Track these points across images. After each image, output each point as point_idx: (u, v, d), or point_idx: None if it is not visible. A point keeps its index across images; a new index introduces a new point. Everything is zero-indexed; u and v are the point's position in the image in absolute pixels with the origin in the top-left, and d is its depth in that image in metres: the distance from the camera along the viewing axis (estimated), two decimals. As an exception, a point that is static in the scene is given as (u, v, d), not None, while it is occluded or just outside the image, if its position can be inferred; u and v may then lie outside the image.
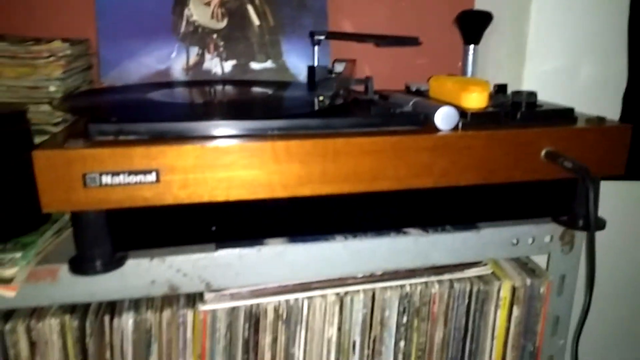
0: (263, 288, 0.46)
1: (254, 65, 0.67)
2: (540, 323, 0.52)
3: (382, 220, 0.47)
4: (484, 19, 0.68)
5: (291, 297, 0.47)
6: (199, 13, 0.66)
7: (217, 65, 0.66)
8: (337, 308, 0.48)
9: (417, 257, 0.48)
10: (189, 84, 0.62)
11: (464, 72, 0.69)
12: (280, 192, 0.41)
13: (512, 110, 0.47)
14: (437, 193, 0.46)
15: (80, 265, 0.40)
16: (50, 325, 0.42)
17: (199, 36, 0.66)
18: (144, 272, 0.42)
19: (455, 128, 0.44)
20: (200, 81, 0.65)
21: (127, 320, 0.44)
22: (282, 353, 0.48)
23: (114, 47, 0.64)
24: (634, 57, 0.66)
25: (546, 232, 0.50)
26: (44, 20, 0.64)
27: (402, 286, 0.49)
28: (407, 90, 0.58)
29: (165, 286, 0.43)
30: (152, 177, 0.38)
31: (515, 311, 0.51)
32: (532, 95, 0.49)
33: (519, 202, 0.49)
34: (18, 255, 0.38)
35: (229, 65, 0.66)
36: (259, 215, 0.44)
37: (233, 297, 0.46)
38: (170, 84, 0.60)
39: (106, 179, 0.37)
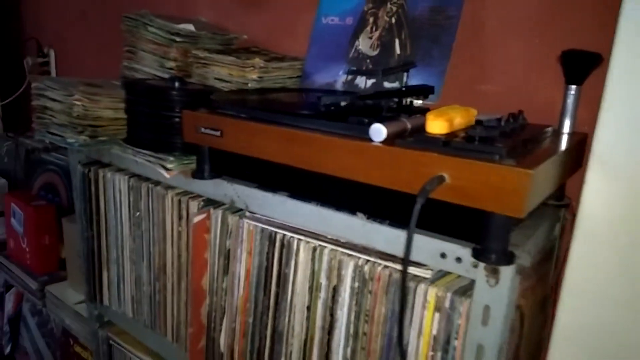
0: (275, 221, 0.72)
1: (386, 84, 0.87)
2: (458, 340, 0.56)
3: (344, 202, 0.64)
4: (591, 60, 0.65)
5: (288, 233, 0.70)
6: (364, 44, 0.91)
7: (363, 82, 0.90)
8: (314, 253, 0.68)
9: (362, 237, 0.62)
10: (319, 91, 0.89)
11: (563, 110, 0.68)
12: (291, 162, 0.65)
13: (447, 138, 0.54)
14: (383, 192, 0.59)
15: (197, 174, 0.77)
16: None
17: (359, 61, 0.91)
18: (222, 187, 0.76)
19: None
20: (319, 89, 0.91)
21: (217, 213, 0.78)
22: (279, 268, 0.72)
23: (312, 65, 0.97)
24: None
25: (469, 254, 0.54)
26: (280, 41, 1.05)
27: (358, 258, 0.64)
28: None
29: (229, 199, 0.75)
30: (217, 133, 0.70)
31: (437, 317, 0.57)
32: (493, 129, 0.54)
33: (457, 221, 0.55)
34: (172, 159, 0.79)
35: (369, 82, 0.89)
36: (280, 175, 0.69)
37: (259, 220, 0.73)
38: (310, 90, 0.89)
39: (204, 129, 0.72)
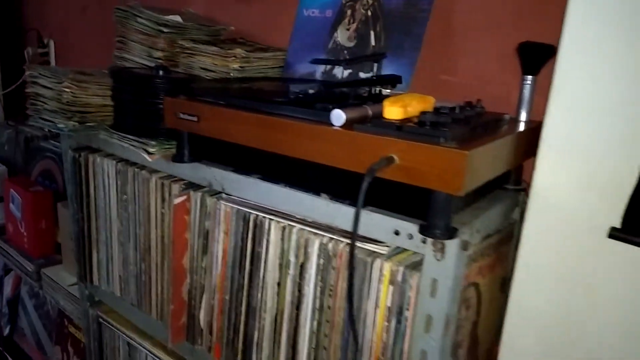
0: (249, 203, 0.76)
1: (361, 74, 0.91)
2: (409, 311, 0.60)
3: (311, 183, 0.68)
4: (545, 51, 0.68)
5: (261, 214, 0.74)
6: (342, 36, 0.95)
7: (340, 72, 0.94)
8: (283, 233, 0.72)
9: (326, 216, 0.66)
10: (294, 80, 0.93)
11: (520, 99, 0.71)
12: (263, 146, 0.69)
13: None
14: (345, 174, 0.63)
15: (177, 158, 0.81)
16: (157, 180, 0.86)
17: (337, 51, 0.95)
18: (200, 170, 0.80)
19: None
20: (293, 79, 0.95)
21: (197, 196, 0.82)
22: (252, 247, 0.76)
23: (294, 56, 1.01)
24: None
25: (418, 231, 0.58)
26: (266, 33, 1.08)
27: (323, 236, 0.68)
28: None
29: (207, 181, 0.80)
30: (195, 118, 0.75)
31: (391, 290, 0.61)
32: (445, 116, 0.57)
33: (409, 200, 0.59)
34: (154, 143, 0.83)
35: (346, 73, 0.93)
36: (253, 159, 0.74)
37: (235, 202, 0.77)
38: (285, 79, 0.93)
39: (183, 115, 0.76)
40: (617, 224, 0.57)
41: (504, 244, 0.74)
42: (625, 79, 0.55)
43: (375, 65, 0.84)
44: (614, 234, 0.57)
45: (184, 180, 0.86)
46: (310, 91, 0.71)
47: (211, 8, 1.29)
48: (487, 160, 0.57)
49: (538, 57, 0.68)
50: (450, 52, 0.87)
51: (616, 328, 0.60)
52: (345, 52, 0.94)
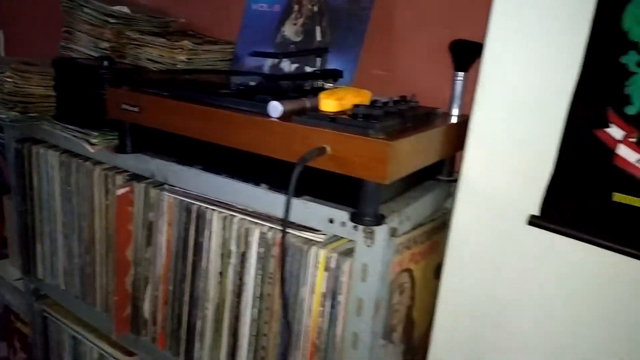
0: (191, 194, 0.77)
1: (307, 68, 0.92)
2: (342, 295, 0.63)
3: (251, 173, 0.69)
4: (475, 49, 0.71)
5: (203, 205, 0.75)
6: (289, 30, 0.96)
7: (287, 66, 0.95)
8: (225, 223, 0.73)
9: (266, 206, 0.68)
10: (237, 72, 0.94)
11: (452, 94, 0.75)
12: (203, 137, 0.70)
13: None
14: (283, 164, 0.65)
15: (119, 149, 0.81)
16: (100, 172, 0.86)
17: (284, 46, 0.96)
18: (144, 161, 0.80)
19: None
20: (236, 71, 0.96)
21: (140, 187, 0.82)
22: (195, 238, 0.77)
23: (243, 49, 1.02)
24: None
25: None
26: (217, 25, 1.09)
27: (262, 225, 0.70)
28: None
29: (150, 173, 0.80)
30: (136, 109, 0.75)
31: (326, 276, 0.64)
32: (378, 109, 0.60)
33: (342, 189, 0.61)
34: (96, 134, 0.83)
35: (293, 67, 0.94)
36: (195, 150, 0.74)
37: (177, 193, 0.78)
38: (232, 72, 0.94)
39: (125, 106, 0.76)
40: (537, 212, 0.61)
41: (438, 232, 0.77)
42: (545, 77, 0.59)
43: (319, 59, 0.86)
44: (533, 221, 0.61)
45: (127, 171, 0.85)
46: (252, 83, 0.72)
47: (163, 0, 1.29)
48: (413, 151, 0.60)
49: (468, 54, 0.71)
50: (390, 48, 0.90)
51: (538, 310, 0.64)
52: (293, 46, 0.95)
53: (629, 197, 0.54)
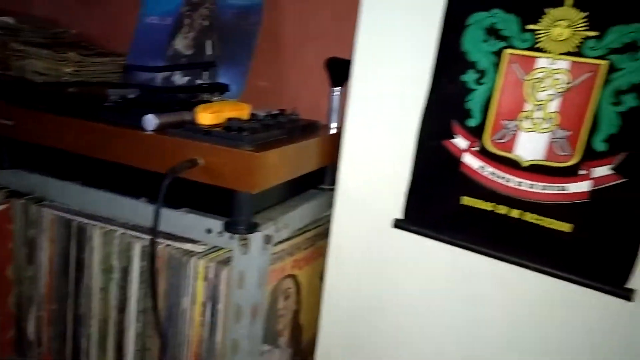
0: (72, 209, 0.75)
1: (198, 81, 0.94)
2: (221, 304, 0.64)
3: (131, 187, 0.69)
4: (349, 65, 0.76)
5: (84, 220, 0.74)
6: (180, 43, 0.97)
7: (179, 79, 0.96)
8: (106, 237, 0.72)
9: (146, 219, 0.68)
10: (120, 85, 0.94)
11: (330, 108, 0.79)
12: (81, 151, 0.68)
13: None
14: (162, 177, 0.65)
15: (-5, 164, 0.78)
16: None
17: (176, 59, 0.97)
18: (23, 177, 0.77)
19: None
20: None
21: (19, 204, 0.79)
22: (77, 254, 0.75)
23: (135, 61, 1.01)
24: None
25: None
26: (111, 37, 1.08)
27: (144, 239, 0.70)
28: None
29: (30, 189, 0.77)
30: (10, 122, 0.72)
31: (205, 285, 0.65)
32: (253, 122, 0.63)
33: (219, 200, 0.63)
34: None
35: (185, 79, 0.95)
36: (74, 165, 0.73)
37: (58, 209, 0.76)
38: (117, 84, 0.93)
39: (-2, 120, 0.74)
40: (401, 215, 0.66)
41: (323, 239, 0.81)
42: (403, 93, 0.64)
43: (206, 73, 0.88)
44: (397, 224, 0.66)
45: (6, 188, 0.82)
46: (131, 96, 0.72)
47: (56, 10, 1.25)
48: (283, 162, 0.63)
49: (342, 71, 0.76)
50: (277, 63, 0.93)
51: (411, 308, 0.69)
52: (184, 59, 0.96)
53: (475, 199, 0.60)
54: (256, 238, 0.61)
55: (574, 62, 0.52)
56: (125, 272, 0.71)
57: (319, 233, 0.79)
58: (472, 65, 0.58)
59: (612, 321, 0.54)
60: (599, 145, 0.52)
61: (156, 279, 0.65)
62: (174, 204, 0.66)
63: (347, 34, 0.88)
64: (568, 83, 0.53)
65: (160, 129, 0.64)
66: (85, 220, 0.74)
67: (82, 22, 1.20)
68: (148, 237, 0.69)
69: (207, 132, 0.62)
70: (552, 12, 0.53)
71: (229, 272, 0.63)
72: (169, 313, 0.68)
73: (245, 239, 0.61)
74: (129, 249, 0.70)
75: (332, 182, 0.81)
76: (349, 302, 0.74)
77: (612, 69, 0.51)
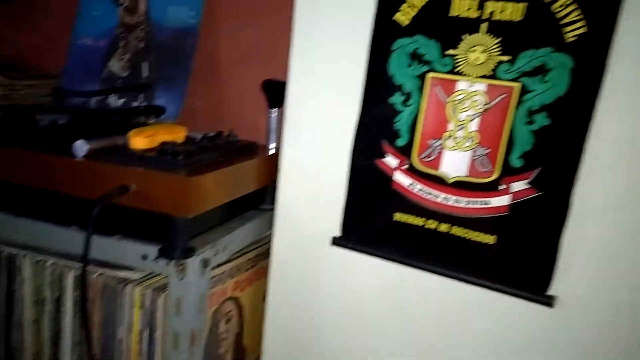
0: (3, 239, 0.72)
1: (134, 103, 0.92)
2: (159, 331, 0.63)
3: (62, 215, 0.67)
4: (285, 87, 0.78)
5: (14, 250, 0.71)
6: (115, 65, 0.96)
7: (115, 101, 0.94)
8: (37, 267, 0.69)
9: (78, 247, 0.66)
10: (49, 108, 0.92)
11: (268, 129, 0.80)
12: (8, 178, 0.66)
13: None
14: (94, 204, 0.64)
15: None
16: None
17: (111, 81, 0.95)
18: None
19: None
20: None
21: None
22: (7, 286, 0.72)
23: (68, 84, 0.99)
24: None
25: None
26: (45, 59, 1.05)
27: (76, 268, 0.68)
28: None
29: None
30: None
31: (141, 313, 0.64)
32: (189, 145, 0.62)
33: (154, 225, 0.62)
34: None
35: (120, 101, 0.94)
36: (3, 192, 0.70)
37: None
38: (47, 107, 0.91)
39: None
40: (339, 233, 0.68)
41: (264, 259, 0.81)
42: (336, 115, 0.66)
43: (142, 95, 0.87)
44: (335, 242, 0.68)
45: None
46: (61, 122, 0.70)
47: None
48: (220, 185, 0.63)
49: (278, 92, 0.77)
50: (215, 85, 0.94)
51: (350, 323, 0.70)
52: (120, 81, 0.95)
53: (407, 215, 0.62)
54: (193, 262, 0.61)
55: (489, 84, 0.56)
56: (59, 302, 0.69)
57: (260, 253, 0.79)
58: (398, 88, 0.61)
59: (535, 327, 0.58)
60: (516, 162, 0.56)
61: (88, 309, 0.63)
62: (108, 231, 0.65)
63: (284, 55, 0.90)
64: (485, 104, 0.56)
65: (92, 155, 0.63)
66: (15, 251, 0.71)
67: (14, 43, 1.16)
68: (80, 265, 0.67)
69: (139, 157, 0.61)
70: (469, 38, 0.56)
71: (165, 298, 0.62)
72: (104, 343, 0.66)
73: (181, 264, 0.60)
74: (61, 279, 0.68)
75: (273, 202, 0.82)
76: (292, 321, 0.74)
77: (524, 90, 0.55)
